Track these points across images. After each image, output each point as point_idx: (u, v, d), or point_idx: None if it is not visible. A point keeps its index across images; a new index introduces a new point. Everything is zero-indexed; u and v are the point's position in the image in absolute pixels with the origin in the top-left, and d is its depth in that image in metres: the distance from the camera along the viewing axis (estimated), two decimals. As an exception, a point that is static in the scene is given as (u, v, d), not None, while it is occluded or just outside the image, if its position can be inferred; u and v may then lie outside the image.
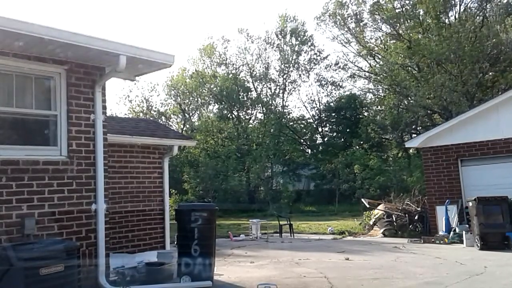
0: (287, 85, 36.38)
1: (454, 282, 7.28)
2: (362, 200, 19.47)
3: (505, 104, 13.04)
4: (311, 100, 38.21)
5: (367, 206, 17.93)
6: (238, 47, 36.96)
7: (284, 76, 35.93)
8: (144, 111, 33.99)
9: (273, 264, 9.57)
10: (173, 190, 23.70)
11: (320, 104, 37.73)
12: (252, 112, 36.21)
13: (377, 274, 8.19)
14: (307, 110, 39.06)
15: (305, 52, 35.82)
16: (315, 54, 35.96)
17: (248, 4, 59.88)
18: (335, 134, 37.47)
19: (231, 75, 34.52)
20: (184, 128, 34.36)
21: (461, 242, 12.04)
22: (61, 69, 6.24)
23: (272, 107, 35.53)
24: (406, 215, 15.27)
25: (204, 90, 34.85)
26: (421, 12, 28.69)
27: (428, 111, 27.55)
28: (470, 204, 11.62)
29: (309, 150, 38.76)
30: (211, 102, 35.74)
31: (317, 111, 38.04)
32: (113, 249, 7.79)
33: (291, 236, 15.71)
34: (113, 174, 7.94)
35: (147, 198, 9.25)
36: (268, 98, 35.84)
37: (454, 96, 23.57)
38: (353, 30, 31.92)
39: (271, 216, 20.31)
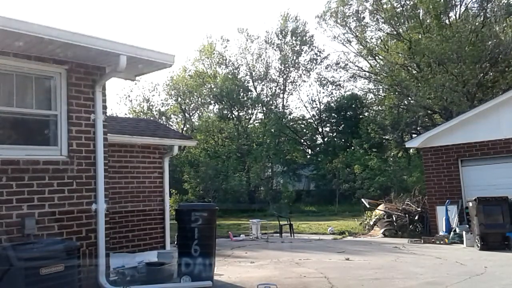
0: (287, 85, 36.45)
1: (454, 282, 7.27)
2: (362, 200, 19.47)
3: (505, 104, 13.03)
4: (311, 100, 38.35)
5: (367, 206, 17.93)
6: (238, 47, 37.06)
7: (284, 76, 35.97)
8: (145, 111, 34.01)
9: (273, 264, 9.57)
10: (173, 190, 23.72)
11: (321, 104, 37.82)
12: (253, 112, 36.28)
13: (377, 274, 8.19)
14: (308, 110, 39.17)
15: (305, 53, 35.92)
16: (316, 54, 36.04)
17: (248, 4, 59.91)
18: (335, 134, 37.48)
19: (230, 75, 34.53)
20: (185, 128, 34.37)
21: (461, 242, 12.03)
22: (62, 69, 6.24)
23: (273, 107, 35.56)
24: (406, 215, 15.27)
25: (204, 90, 34.87)
26: (422, 12, 28.71)
27: (429, 111, 27.55)
28: (470, 204, 11.61)
29: (310, 150, 38.78)
30: (211, 102, 35.77)
31: (317, 111, 38.08)
32: (113, 249, 7.78)
33: (291, 236, 15.70)
34: (113, 174, 7.94)
35: (147, 198, 9.25)
36: (268, 98, 35.88)
37: (454, 96, 23.56)
38: (354, 30, 31.94)
39: (271, 216, 20.31)
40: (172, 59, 6.77)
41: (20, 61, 5.87)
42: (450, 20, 28.48)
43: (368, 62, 33.36)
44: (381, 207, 16.91)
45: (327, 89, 37.40)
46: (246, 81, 35.68)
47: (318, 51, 35.98)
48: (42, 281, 4.74)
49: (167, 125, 29.18)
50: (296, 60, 35.73)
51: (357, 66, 34.39)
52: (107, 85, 6.70)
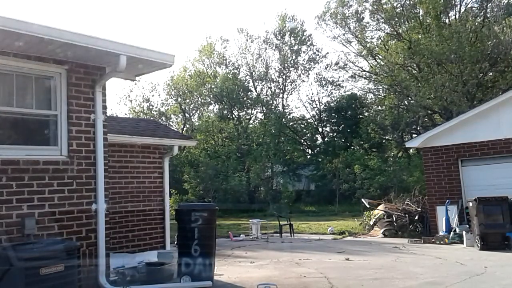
0: (286, 85, 36.48)
1: (454, 282, 7.27)
2: (362, 200, 19.47)
3: (505, 104, 13.03)
4: (311, 100, 38.36)
5: (367, 206, 17.93)
6: (238, 47, 37.07)
7: (284, 76, 35.98)
8: (145, 111, 33.98)
9: (273, 264, 9.57)
10: (173, 190, 23.73)
11: (320, 104, 37.88)
12: (252, 112, 36.29)
13: (377, 274, 8.19)
14: (307, 110, 39.20)
15: (304, 52, 35.92)
16: (314, 53, 36.06)
17: (248, 4, 59.93)
18: (335, 134, 37.49)
19: (230, 75, 34.52)
20: (185, 128, 34.36)
21: (461, 242, 12.04)
22: (62, 69, 6.24)
23: (272, 107, 35.56)
24: (406, 215, 15.27)
25: (204, 90, 34.88)
26: (421, 12, 28.72)
27: (429, 111, 27.57)
28: (470, 204, 11.61)
29: (310, 150, 38.78)
30: (211, 102, 35.77)
31: (317, 111, 38.12)
32: (113, 249, 7.79)
33: (291, 236, 15.70)
34: (113, 174, 7.94)
35: (147, 198, 9.25)
36: (268, 98, 35.89)
37: (454, 96, 23.58)
38: (354, 30, 31.96)
39: (271, 216, 20.31)
40: (172, 59, 6.76)
41: (20, 61, 5.87)
42: (450, 20, 28.50)
43: (368, 62, 33.39)
44: (381, 207, 16.90)
45: (326, 89, 37.55)
46: (246, 81, 35.71)
47: (316, 50, 36.08)
48: (42, 281, 4.74)
49: (167, 125, 29.17)
50: (295, 60, 35.76)
51: (357, 66, 34.50)
52: (107, 85, 6.72)
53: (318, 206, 29.13)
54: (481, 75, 25.01)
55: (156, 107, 34.88)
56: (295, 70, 36.14)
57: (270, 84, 36.23)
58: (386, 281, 7.57)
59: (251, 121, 36.10)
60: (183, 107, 35.44)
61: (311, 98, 38.88)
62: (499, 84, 25.75)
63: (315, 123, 38.27)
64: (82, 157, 6.28)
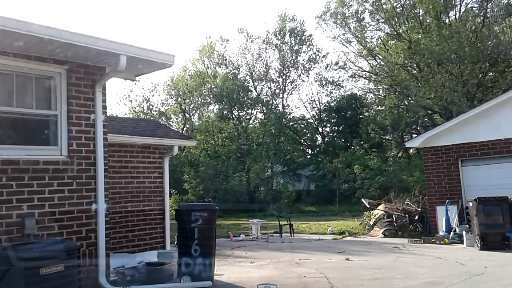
0: (286, 85, 36.50)
1: (454, 282, 7.27)
2: (362, 200, 19.48)
3: (505, 104, 13.03)
4: (311, 100, 38.38)
5: (367, 206, 17.93)
6: (238, 47, 37.10)
7: (284, 76, 35.99)
8: (145, 111, 34.00)
9: (273, 264, 9.57)
10: (173, 190, 23.73)
11: (320, 104, 37.89)
12: (253, 112, 36.30)
13: (377, 274, 8.18)
14: (307, 110, 39.22)
15: (304, 52, 35.93)
16: (314, 53, 36.07)
17: (248, 4, 59.94)
18: (335, 134, 37.50)
19: (230, 75, 34.52)
20: (185, 128, 34.37)
21: (461, 242, 12.04)
22: (62, 69, 6.24)
23: (272, 107, 35.57)
24: (406, 215, 15.27)
25: (204, 90, 34.89)
26: (421, 12, 28.74)
27: (429, 111, 27.58)
28: (470, 204, 11.62)
29: (310, 150, 38.79)
30: (211, 102, 35.79)
31: (317, 111, 38.12)
32: (113, 249, 7.78)
33: (291, 236, 15.70)
34: (113, 174, 7.94)
35: (147, 198, 9.25)
36: (268, 98, 35.90)
37: (454, 96, 23.58)
38: (354, 30, 31.99)
39: (271, 216, 20.31)
40: (172, 59, 6.76)
41: (20, 61, 5.87)
42: (450, 20, 28.52)
43: (368, 62, 33.41)
44: (381, 207, 16.91)
45: (326, 89, 37.57)
46: (246, 81, 35.71)
47: (316, 50, 36.09)
48: (42, 281, 4.74)
49: (167, 125, 29.18)
50: (295, 60, 35.78)
51: (357, 66, 34.51)
52: (107, 85, 6.72)
53: (318, 206, 29.13)
54: (481, 75, 25.01)
55: (156, 107, 34.97)
56: (295, 70, 36.19)
57: (270, 84, 36.27)
58: (386, 281, 7.58)
59: (251, 121, 36.12)
60: (183, 107, 35.45)
61: (311, 98, 38.99)
62: (499, 84, 25.76)
63: (315, 123, 38.27)
64: (82, 157, 6.28)
